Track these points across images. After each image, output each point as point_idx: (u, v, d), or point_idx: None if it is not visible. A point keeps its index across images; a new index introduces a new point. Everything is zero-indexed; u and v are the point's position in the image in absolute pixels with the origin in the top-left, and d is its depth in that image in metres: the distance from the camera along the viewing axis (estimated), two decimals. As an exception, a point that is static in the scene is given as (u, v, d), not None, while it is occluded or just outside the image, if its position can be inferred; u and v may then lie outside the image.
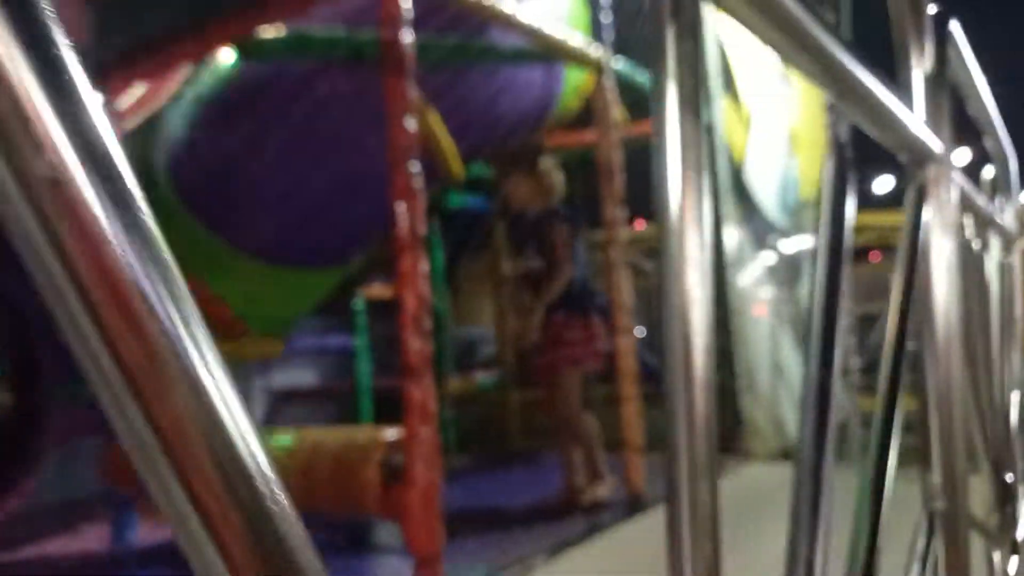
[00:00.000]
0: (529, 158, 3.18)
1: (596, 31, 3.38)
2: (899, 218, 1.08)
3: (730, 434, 3.89)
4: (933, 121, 1.08)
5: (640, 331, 3.83)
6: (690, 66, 0.41)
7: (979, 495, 1.75)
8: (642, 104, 3.52)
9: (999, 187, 1.93)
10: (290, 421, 4.37)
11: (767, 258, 4.43)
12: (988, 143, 1.83)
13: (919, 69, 1.10)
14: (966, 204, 1.38)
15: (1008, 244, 2.03)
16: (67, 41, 0.20)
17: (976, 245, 1.69)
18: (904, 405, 0.96)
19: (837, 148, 0.71)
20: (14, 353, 2.53)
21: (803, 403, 0.63)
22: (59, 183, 0.19)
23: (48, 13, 0.20)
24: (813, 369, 0.63)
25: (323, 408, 4.97)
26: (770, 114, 4.83)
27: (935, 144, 1.04)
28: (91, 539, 2.75)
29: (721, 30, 4.10)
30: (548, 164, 3.20)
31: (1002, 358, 1.94)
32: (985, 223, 1.74)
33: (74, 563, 2.63)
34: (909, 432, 1.14)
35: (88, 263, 0.20)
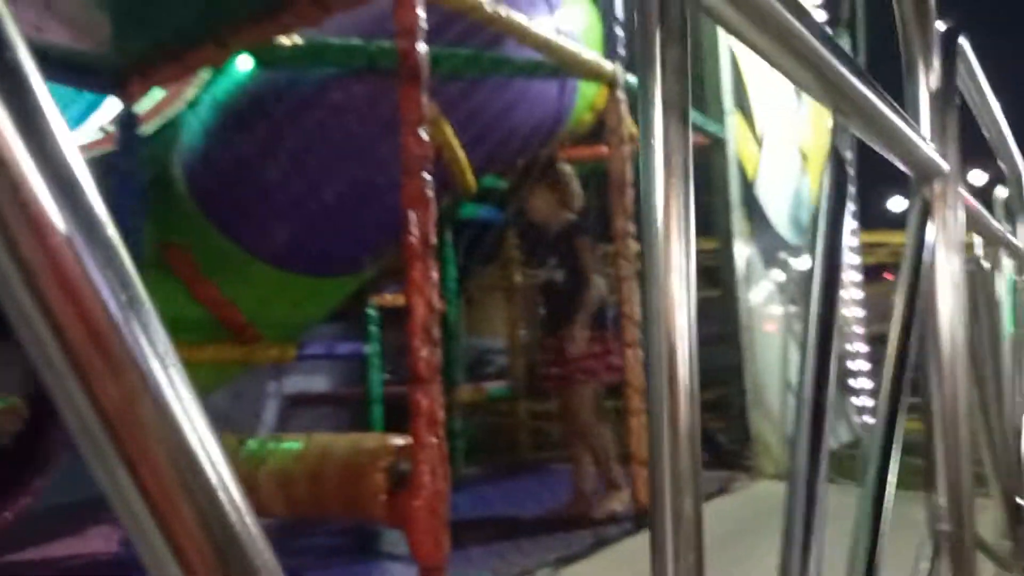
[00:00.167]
0: (548, 169, 3.18)
1: (609, 45, 3.40)
2: (912, 236, 1.07)
3: (738, 451, 3.86)
4: (939, 138, 1.07)
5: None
6: (677, 73, 0.41)
7: (989, 519, 1.73)
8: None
9: (1012, 206, 1.92)
10: (302, 426, 4.38)
11: (778, 274, 4.40)
12: (1001, 162, 1.81)
13: (926, 85, 1.09)
14: (975, 222, 1.37)
15: (1021, 263, 2.01)
16: (30, 58, 0.20)
17: (987, 263, 1.67)
18: (909, 425, 0.95)
19: (836, 163, 0.71)
20: (26, 356, 2.56)
21: (797, 421, 0.62)
22: (24, 202, 0.19)
23: (7, 25, 0.20)
24: (807, 387, 0.63)
25: (335, 414, 4.98)
26: (783, 131, 4.82)
27: (940, 161, 1.04)
28: (99, 541, 2.76)
29: (735, 45, 4.10)
30: (568, 175, 3.20)
31: (1014, 378, 1.92)
32: (996, 242, 1.72)
33: (83, 565, 2.65)
34: (914, 453, 1.13)
35: (49, 278, 0.19)
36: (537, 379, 3.70)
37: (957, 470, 1.07)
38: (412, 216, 2.05)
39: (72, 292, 0.19)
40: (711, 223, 4.09)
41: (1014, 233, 1.93)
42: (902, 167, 1.03)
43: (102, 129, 3.30)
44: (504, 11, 2.57)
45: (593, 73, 3.14)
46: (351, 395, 4.77)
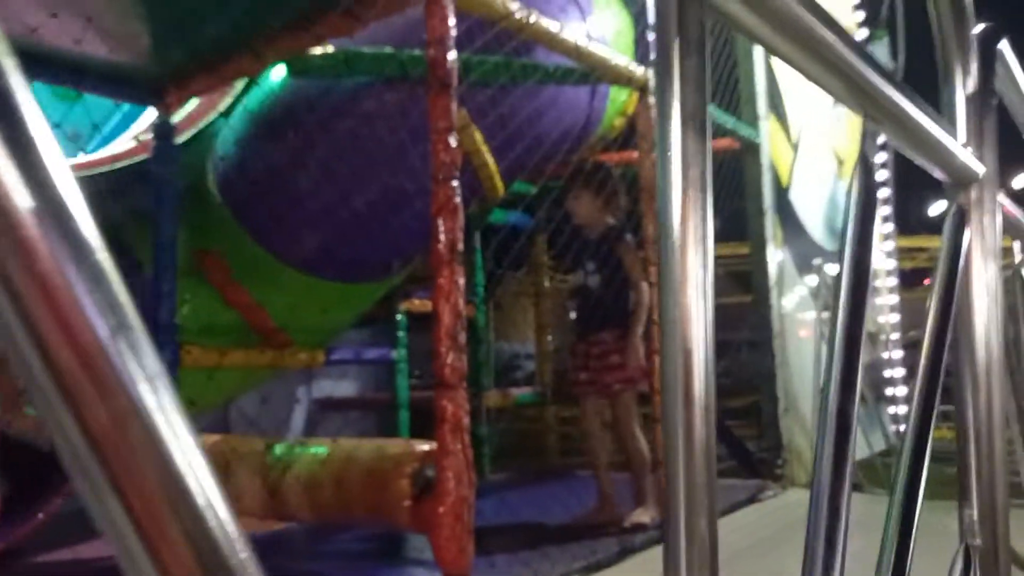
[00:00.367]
0: (595, 173, 3.16)
1: (641, 50, 3.38)
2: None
3: (770, 460, 3.81)
4: (976, 142, 1.05)
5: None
6: (696, 83, 0.40)
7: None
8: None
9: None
10: (330, 431, 4.42)
11: (812, 280, 4.34)
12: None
13: (962, 88, 1.07)
14: (1014, 228, 1.34)
15: (1063, 271, 1.96)
16: (21, 81, 0.20)
17: (1026, 271, 1.63)
18: (941, 433, 0.93)
19: (864, 168, 0.70)
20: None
21: (820, 430, 0.61)
22: (13, 225, 0.19)
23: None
24: (832, 396, 0.62)
25: (363, 419, 5.02)
26: (818, 135, 4.75)
27: (976, 166, 1.01)
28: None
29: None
30: (614, 180, 3.18)
31: (1055, 389, 1.86)
32: (1037, 249, 1.68)
33: (113, 566, 2.69)
34: (948, 461, 1.10)
35: (38, 302, 0.19)
36: (566, 384, 3.69)
37: (991, 481, 1.04)
38: (440, 223, 2.05)
39: (61, 316, 0.19)
40: (744, 228, 4.05)
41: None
42: (936, 173, 1.00)
43: (136, 138, 3.36)
44: (535, 18, 2.58)
45: (624, 78, 3.13)
46: (379, 400, 4.80)
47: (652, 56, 3.23)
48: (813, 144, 4.68)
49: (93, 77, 2.79)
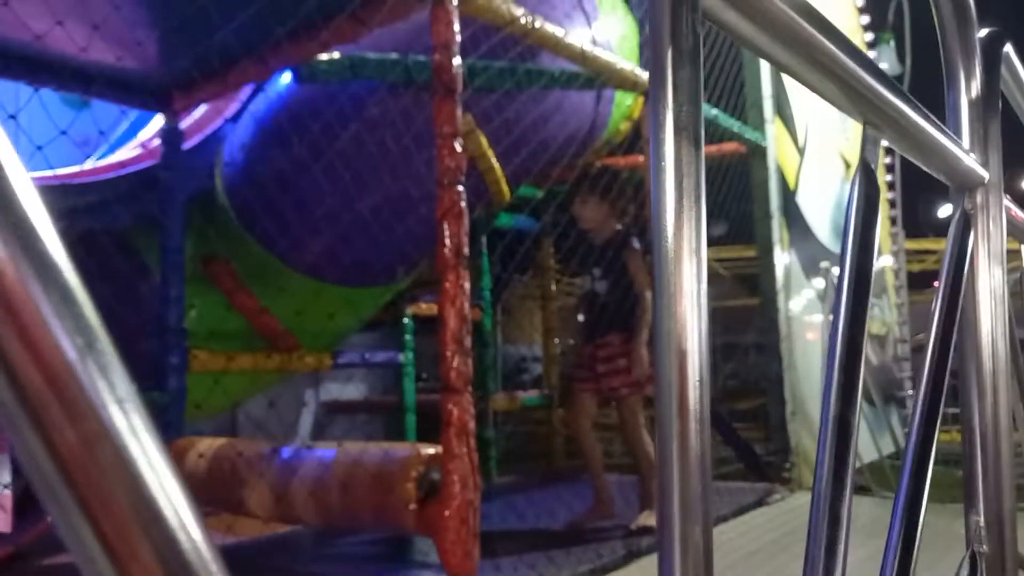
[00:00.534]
0: (603, 177, 3.15)
1: (646, 55, 3.38)
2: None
3: (778, 463, 3.80)
4: (980, 147, 1.05)
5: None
6: (689, 93, 0.40)
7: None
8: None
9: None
10: (337, 434, 4.43)
11: (819, 283, 4.33)
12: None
13: (966, 93, 1.07)
14: (1020, 232, 1.33)
15: (1072, 275, 1.94)
16: None
17: (1033, 274, 1.62)
18: (954, 437, 0.92)
19: (865, 173, 0.70)
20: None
21: (820, 435, 0.61)
22: None
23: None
24: (832, 401, 0.62)
25: (370, 422, 5.03)
26: (825, 138, 4.74)
27: (981, 170, 1.01)
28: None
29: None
30: (622, 185, 3.17)
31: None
32: (1044, 252, 1.67)
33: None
34: (959, 465, 1.09)
35: (3, 323, 0.19)
36: (567, 387, 3.68)
37: (998, 487, 1.03)
38: (445, 227, 2.06)
39: (28, 337, 0.19)
40: (751, 231, 4.04)
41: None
42: (940, 177, 1.00)
43: (141, 145, 3.38)
44: (540, 23, 2.58)
45: (629, 82, 3.13)
46: (386, 403, 4.81)
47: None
48: (820, 147, 4.66)
49: (100, 83, 2.81)
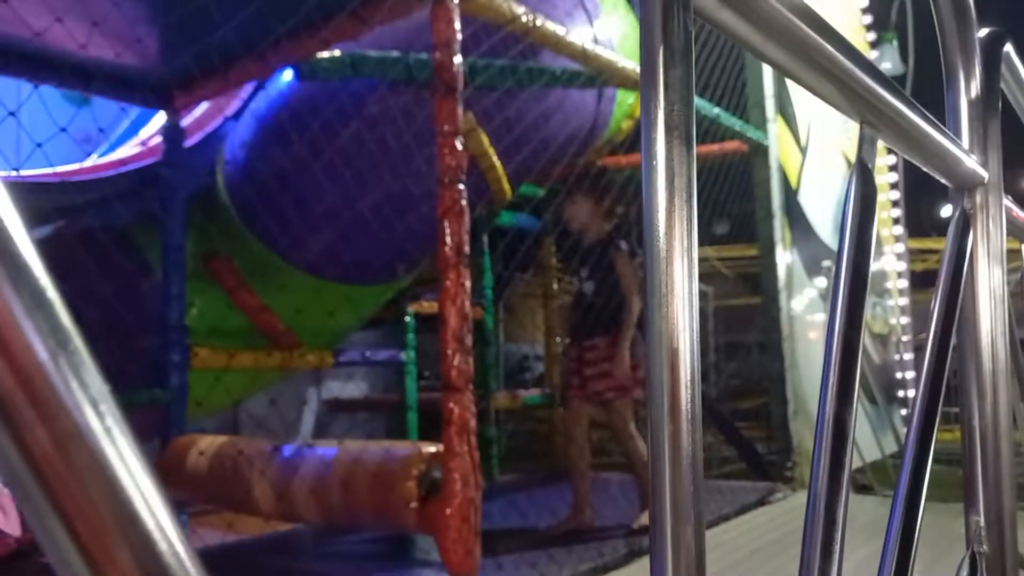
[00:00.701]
0: (593, 178, 3.14)
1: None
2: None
3: (780, 462, 3.79)
4: (980, 147, 1.04)
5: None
6: (681, 92, 0.40)
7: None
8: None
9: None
10: (339, 432, 4.43)
11: (821, 282, 4.32)
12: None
13: (966, 93, 1.06)
14: (1019, 231, 1.32)
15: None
16: None
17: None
18: (955, 436, 0.92)
19: (862, 173, 0.69)
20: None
21: (817, 437, 0.61)
22: None
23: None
24: (829, 402, 0.61)
25: (371, 420, 5.03)
26: (827, 137, 4.73)
27: (980, 170, 1.01)
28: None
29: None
30: (613, 186, 3.16)
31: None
32: (1046, 252, 1.66)
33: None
34: (958, 465, 1.09)
35: None
36: (559, 388, 3.67)
37: (997, 487, 1.03)
38: (446, 226, 2.06)
39: None
40: (753, 231, 4.04)
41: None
42: (939, 177, 1.00)
43: (141, 143, 3.39)
44: (541, 21, 2.58)
45: (631, 81, 3.12)
46: (388, 401, 4.81)
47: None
48: (822, 146, 4.65)
49: (101, 81, 2.82)
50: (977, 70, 1.07)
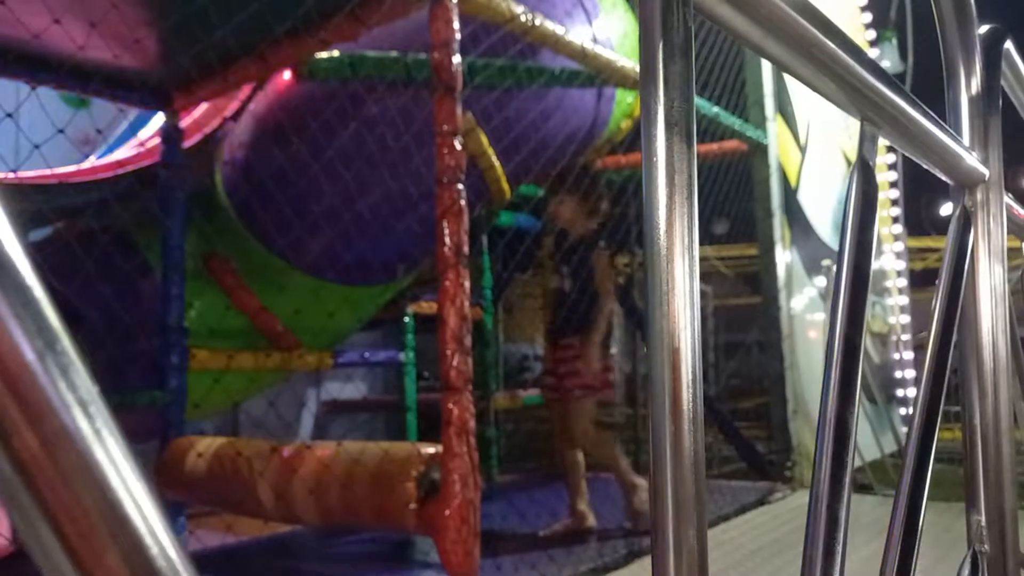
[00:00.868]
0: (582, 177, 3.14)
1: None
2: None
3: (779, 462, 3.79)
4: (980, 144, 1.04)
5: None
6: (681, 88, 0.40)
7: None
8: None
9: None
10: (338, 433, 4.43)
11: (821, 282, 4.32)
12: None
13: (966, 90, 1.06)
14: (1020, 229, 1.32)
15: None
16: None
17: (1035, 272, 1.61)
18: (956, 435, 0.92)
19: (863, 170, 0.69)
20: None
21: (818, 437, 0.60)
22: None
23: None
24: (831, 401, 0.61)
25: (371, 421, 5.03)
26: (826, 136, 4.73)
27: (981, 168, 1.00)
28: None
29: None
30: (600, 186, 3.15)
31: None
32: (1046, 250, 1.66)
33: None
34: (960, 464, 1.08)
35: None
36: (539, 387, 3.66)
37: (999, 486, 1.03)
38: (445, 226, 2.05)
39: None
40: (752, 230, 4.04)
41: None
42: (940, 174, 0.99)
43: (140, 144, 3.38)
44: (540, 21, 2.57)
45: (630, 80, 3.12)
46: (387, 402, 4.81)
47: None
48: (821, 145, 4.65)
49: (100, 82, 2.81)
50: (977, 67, 1.07)
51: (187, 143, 3.17)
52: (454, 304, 2.05)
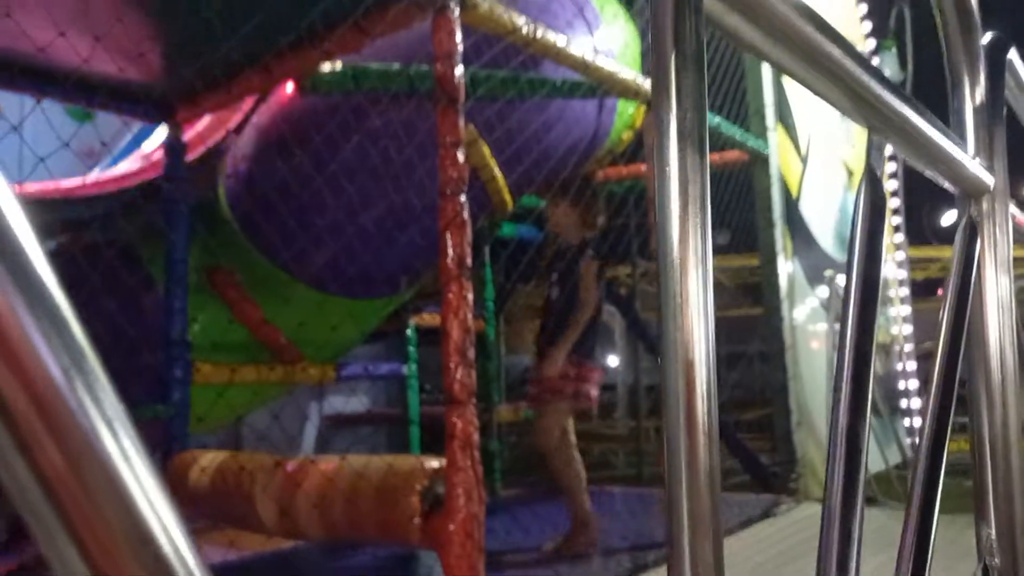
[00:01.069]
0: (579, 188, 3.14)
1: (648, 64, 3.39)
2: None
3: (784, 474, 3.77)
4: (986, 153, 1.04)
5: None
6: (694, 99, 0.40)
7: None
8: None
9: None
10: (341, 447, 4.41)
11: (823, 292, 4.31)
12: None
13: (971, 99, 1.06)
14: (1027, 239, 1.32)
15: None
16: None
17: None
18: (959, 446, 0.91)
19: (871, 180, 0.69)
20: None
21: (830, 449, 0.60)
22: None
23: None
24: (842, 412, 0.61)
25: (374, 435, 5.01)
26: (827, 146, 4.74)
27: (987, 177, 1.00)
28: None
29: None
30: (595, 195, 3.15)
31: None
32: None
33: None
34: (965, 475, 1.08)
35: None
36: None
37: (1009, 499, 1.02)
38: (448, 238, 2.05)
39: (12, 356, 0.18)
40: (753, 240, 4.04)
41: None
42: (946, 184, 0.99)
43: (144, 157, 3.39)
44: (542, 32, 2.58)
45: (631, 91, 3.13)
46: (390, 415, 4.79)
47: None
48: (822, 155, 4.66)
49: (103, 95, 2.82)
50: (982, 77, 1.07)
51: (190, 156, 3.17)
52: (457, 316, 2.04)
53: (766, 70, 4.07)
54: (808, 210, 4.35)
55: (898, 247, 5.25)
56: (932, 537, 0.78)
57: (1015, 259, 1.09)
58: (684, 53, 0.39)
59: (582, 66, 2.84)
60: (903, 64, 5.32)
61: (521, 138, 2.98)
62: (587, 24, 3.27)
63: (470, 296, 2.07)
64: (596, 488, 3.10)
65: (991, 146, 1.06)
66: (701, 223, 0.39)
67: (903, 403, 4.98)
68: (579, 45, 2.89)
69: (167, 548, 0.19)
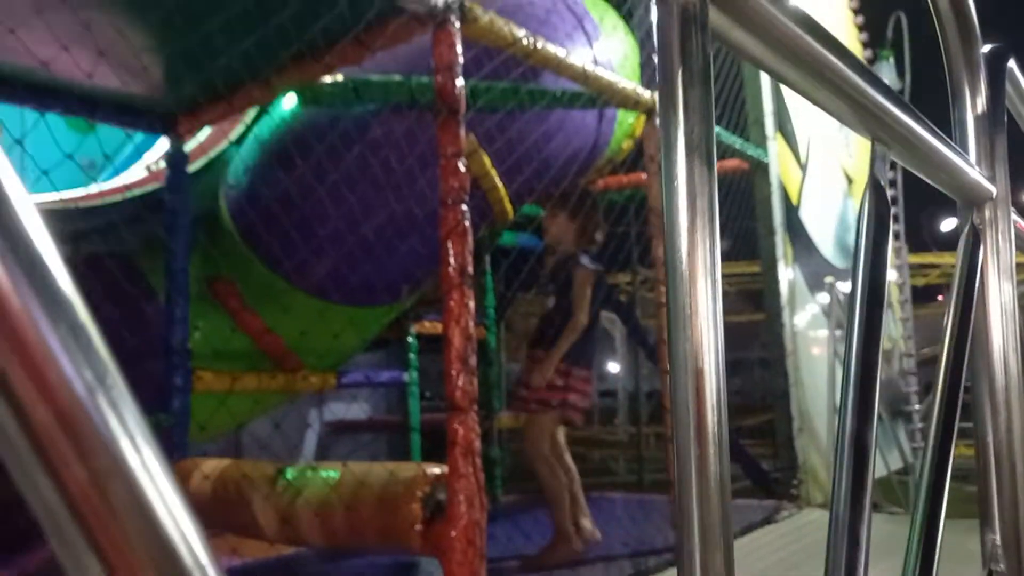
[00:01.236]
0: (577, 198, 3.14)
1: (647, 73, 3.40)
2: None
3: (785, 479, 3.76)
4: (987, 162, 1.04)
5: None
6: (701, 112, 0.40)
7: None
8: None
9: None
10: (342, 454, 4.40)
11: (824, 298, 4.32)
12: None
13: (972, 108, 1.06)
14: (1029, 246, 1.32)
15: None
16: None
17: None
18: (961, 451, 0.91)
19: (875, 189, 0.69)
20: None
21: (836, 456, 0.60)
22: None
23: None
24: (849, 418, 0.61)
25: (375, 442, 5.01)
26: (827, 154, 4.75)
27: (988, 185, 1.01)
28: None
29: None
30: (593, 206, 3.15)
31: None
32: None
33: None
34: (968, 480, 1.08)
35: (9, 356, 0.18)
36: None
37: (1013, 504, 1.02)
38: (449, 247, 2.06)
39: (35, 371, 0.18)
40: (754, 247, 4.04)
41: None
42: (948, 192, 1.00)
43: (147, 167, 3.40)
44: (542, 44, 2.60)
45: (631, 101, 3.13)
46: (391, 422, 4.79)
47: (656, 79, 3.24)
48: (822, 163, 4.67)
49: (106, 108, 2.83)
50: (982, 86, 1.08)
51: (191, 166, 3.18)
52: (459, 324, 2.05)
53: (765, 80, 4.09)
54: (808, 217, 4.36)
55: (898, 253, 5.25)
56: (938, 543, 0.79)
57: (1018, 266, 1.09)
58: (691, 68, 0.40)
59: (582, 77, 2.85)
60: (900, 74, 5.34)
61: (522, 148, 2.99)
62: (586, 36, 3.29)
63: (471, 304, 2.08)
64: (597, 494, 3.09)
65: (992, 154, 1.06)
66: (709, 234, 0.39)
67: (904, 408, 4.97)
68: (579, 56, 2.90)
69: (191, 564, 0.19)
